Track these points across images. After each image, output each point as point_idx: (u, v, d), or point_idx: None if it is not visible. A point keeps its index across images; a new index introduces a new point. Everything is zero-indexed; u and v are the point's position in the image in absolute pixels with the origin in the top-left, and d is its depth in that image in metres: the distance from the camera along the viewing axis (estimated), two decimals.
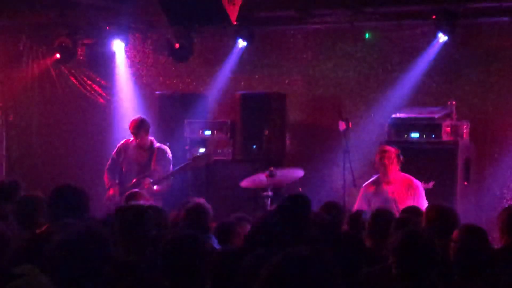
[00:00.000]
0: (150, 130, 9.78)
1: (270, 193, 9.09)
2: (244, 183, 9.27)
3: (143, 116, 9.86)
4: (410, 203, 8.30)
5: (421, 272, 4.64)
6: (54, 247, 4.16)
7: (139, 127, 9.57)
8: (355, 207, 8.62)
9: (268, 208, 8.64)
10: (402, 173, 8.66)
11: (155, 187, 9.28)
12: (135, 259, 5.08)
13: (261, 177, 9.15)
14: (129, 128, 9.66)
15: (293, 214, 5.72)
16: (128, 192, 7.77)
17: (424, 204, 8.39)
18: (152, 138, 9.70)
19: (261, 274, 3.03)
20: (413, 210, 7.03)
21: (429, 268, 4.65)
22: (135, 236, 5.28)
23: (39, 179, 12.12)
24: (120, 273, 4.72)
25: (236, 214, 7.05)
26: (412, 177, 8.65)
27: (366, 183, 8.81)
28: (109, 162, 9.81)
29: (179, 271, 4.54)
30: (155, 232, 5.45)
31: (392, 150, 8.61)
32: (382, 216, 6.39)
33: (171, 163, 9.62)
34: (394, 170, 8.59)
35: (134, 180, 9.41)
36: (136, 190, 8.03)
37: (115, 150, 9.85)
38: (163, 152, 9.63)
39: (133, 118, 9.82)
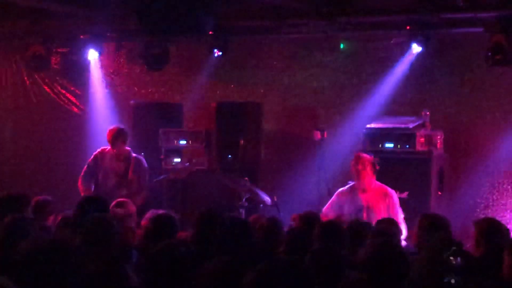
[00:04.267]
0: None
1: (245, 204, 9.09)
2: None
3: (121, 126, 9.76)
4: (384, 212, 8.33)
5: (392, 285, 4.62)
6: (19, 258, 4.14)
7: (116, 136, 9.48)
8: (324, 210, 8.63)
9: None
10: (377, 182, 8.67)
11: None
12: (102, 270, 5.06)
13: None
14: (107, 137, 9.57)
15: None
16: (115, 201, 7.72)
17: (399, 213, 8.44)
18: (129, 148, 9.64)
19: (244, 281, 3.07)
20: (389, 221, 7.05)
21: (400, 280, 4.64)
22: (100, 246, 5.27)
23: (12, 188, 12.01)
24: (87, 285, 4.71)
25: None
26: (386, 187, 8.66)
27: (342, 189, 8.80)
28: (85, 169, 9.69)
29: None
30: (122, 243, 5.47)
31: (366, 157, 8.63)
32: None
33: (147, 174, 9.58)
34: (368, 178, 8.59)
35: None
36: (123, 199, 7.95)
37: (91, 158, 9.75)
38: (140, 162, 9.58)
39: (111, 127, 9.69)
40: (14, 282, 4.22)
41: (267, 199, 9.11)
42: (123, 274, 4.92)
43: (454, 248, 4.73)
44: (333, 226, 6.35)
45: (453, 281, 4.62)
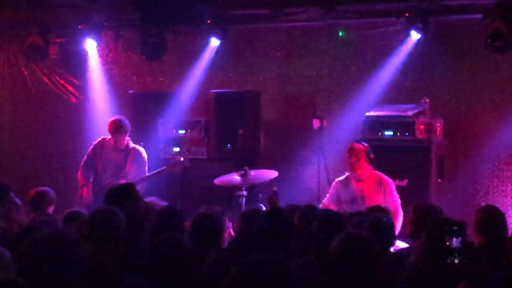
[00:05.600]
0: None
1: (244, 193, 9.07)
2: (218, 182, 9.24)
3: (123, 117, 9.73)
4: (380, 199, 8.32)
5: (359, 276, 4.59)
6: (22, 252, 4.13)
7: (118, 129, 9.47)
8: (325, 201, 8.63)
9: (243, 209, 8.59)
10: (373, 171, 8.65)
11: None
12: (107, 262, 5.04)
13: (235, 176, 9.13)
14: (108, 128, 9.55)
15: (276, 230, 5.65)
16: None
17: (396, 199, 8.43)
18: (128, 138, 9.62)
19: (222, 282, 3.07)
20: (379, 209, 7.03)
21: (368, 272, 4.61)
22: (106, 239, 5.24)
23: (11, 178, 12.01)
24: (91, 276, 4.69)
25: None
26: (381, 174, 8.64)
27: (338, 178, 8.81)
28: (85, 159, 9.72)
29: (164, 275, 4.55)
30: (127, 234, 5.42)
31: (359, 147, 8.61)
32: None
33: (146, 164, 9.56)
34: (363, 168, 8.57)
35: (109, 181, 9.32)
36: None
37: (91, 147, 9.77)
38: (139, 153, 9.56)
39: (112, 119, 9.66)
40: (17, 273, 4.22)
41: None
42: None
43: (455, 228, 4.72)
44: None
45: (456, 261, 4.61)
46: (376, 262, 4.61)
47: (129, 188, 6.38)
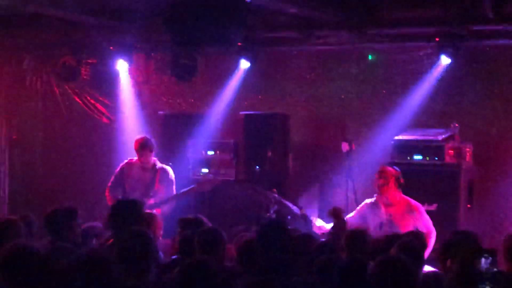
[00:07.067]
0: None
1: (273, 215, 9.07)
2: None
3: (148, 136, 9.84)
4: (410, 225, 8.25)
5: None
6: (57, 272, 4.17)
7: (143, 146, 9.57)
8: (349, 218, 8.51)
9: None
10: (402, 196, 8.60)
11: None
12: (137, 283, 5.05)
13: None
14: (134, 147, 9.66)
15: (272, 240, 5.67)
16: None
17: (428, 221, 8.37)
18: (155, 158, 9.70)
19: None
20: (415, 235, 6.99)
21: None
22: (137, 260, 5.25)
23: (42, 198, 12.13)
24: None
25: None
26: (409, 199, 8.58)
27: (368, 201, 8.76)
28: (112, 180, 9.78)
29: None
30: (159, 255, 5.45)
31: (389, 170, 8.57)
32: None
33: (174, 183, 9.61)
34: (391, 192, 8.52)
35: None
36: (149, 211, 8.00)
37: (118, 169, 9.84)
38: (166, 172, 9.62)
39: (138, 137, 9.80)
40: None
41: (296, 209, 9.07)
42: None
43: (486, 255, 4.71)
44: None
45: None
46: (413, 285, 4.64)
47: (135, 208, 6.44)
